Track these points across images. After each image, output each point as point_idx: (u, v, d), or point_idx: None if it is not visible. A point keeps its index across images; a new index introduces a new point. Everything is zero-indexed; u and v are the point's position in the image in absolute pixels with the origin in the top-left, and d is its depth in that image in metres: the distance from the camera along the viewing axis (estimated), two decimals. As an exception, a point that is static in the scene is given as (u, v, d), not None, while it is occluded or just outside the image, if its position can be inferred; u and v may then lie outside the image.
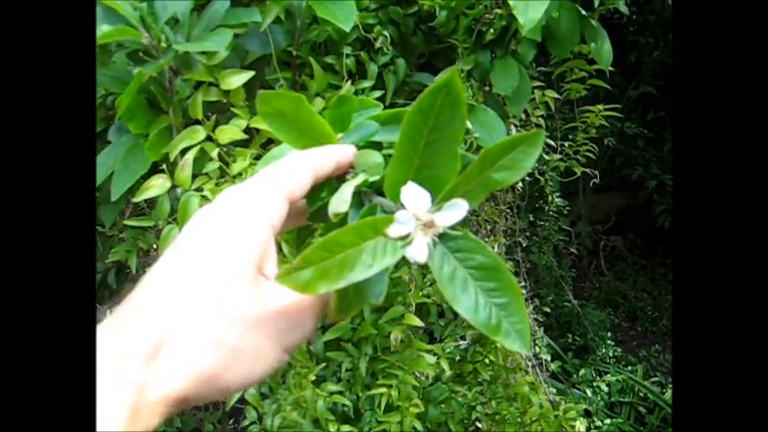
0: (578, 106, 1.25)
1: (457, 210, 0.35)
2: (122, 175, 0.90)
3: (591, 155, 1.27)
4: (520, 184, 1.54)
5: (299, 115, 0.42)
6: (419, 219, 0.35)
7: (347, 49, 1.02)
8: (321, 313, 0.36)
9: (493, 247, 1.58)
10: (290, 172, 0.37)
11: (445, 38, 1.05)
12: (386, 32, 1.03)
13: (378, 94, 1.01)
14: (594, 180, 1.23)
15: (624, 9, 0.97)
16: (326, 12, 0.88)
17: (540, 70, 1.38)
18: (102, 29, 0.71)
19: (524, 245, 2.04)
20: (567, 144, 1.33)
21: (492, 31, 1.01)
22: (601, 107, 1.23)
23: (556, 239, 2.37)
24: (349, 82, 0.98)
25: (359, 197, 0.40)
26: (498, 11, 0.99)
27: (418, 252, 0.34)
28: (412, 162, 0.36)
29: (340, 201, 0.38)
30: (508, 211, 1.48)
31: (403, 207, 0.35)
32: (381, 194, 0.39)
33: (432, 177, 0.36)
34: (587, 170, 1.27)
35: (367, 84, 1.01)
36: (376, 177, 0.40)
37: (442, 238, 0.36)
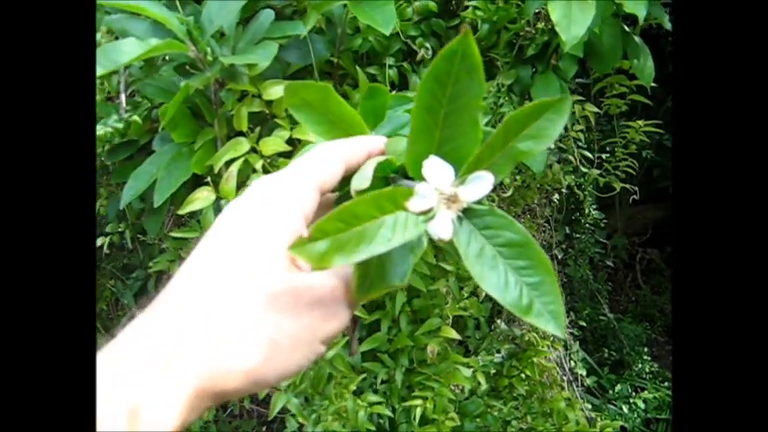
0: (617, 119, 1.24)
1: (482, 182, 0.33)
2: (165, 183, 0.92)
3: (630, 170, 1.26)
4: (557, 197, 1.53)
5: (327, 106, 0.41)
6: (442, 193, 0.33)
7: (390, 60, 1.03)
8: (357, 304, 0.36)
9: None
10: (321, 162, 0.37)
11: (486, 51, 1.05)
12: (428, 44, 1.04)
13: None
14: (633, 196, 1.22)
15: (668, 25, 0.96)
16: (366, 16, 0.88)
17: (579, 82, 1.38)
18: (151, 42, 0.73)
19: (560, 257, 2.03)
20: (605, 157, 1.32)
21: (533, 46, 1.01)
22: (641, 123, 1.22)
23: (592, 252, 2.35)
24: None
25: (386, 182, 0.39)
26: (540, 25, 0.99)
27: (442, 227, 0.33)
28: (433, 135, 0.35)
29: (362, 178, 0.37)
30: (546, 225, 1.48)
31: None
32: (408, 178, 0.37)
33: (454, 150, 0.35)
34: (626, 185, 1.26)
35: (410, 95, 1.02)
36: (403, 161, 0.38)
37: (468, 214, 0.34)
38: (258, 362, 0.31)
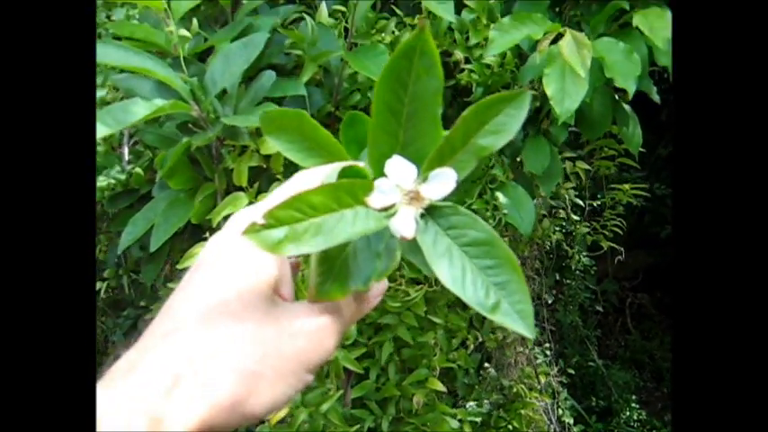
0: (605, 181, 1.28)
1: (445, 180, 0.33)
2: (162, 228, 0.95)
3: (618, 230, 1.30)
4: (548, 244, 1.56)
5: (303, 132, 0.41)
6: (404, 190, 0.33)
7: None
8: (343, 332, 0.36)
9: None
10: (299, 190, 0.37)
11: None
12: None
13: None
14: (622, 247, 1.25)
15: (656, 97, 1.00)
16: (362, 66, 0.91)
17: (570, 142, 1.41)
18: (156, 103, 0.76)
19: (550, 302, 2.05)
20: (595, 205, 1.35)
21: (525, 110, 1.04)
22: (628, 187, 1.25)
23: (582, 298, 2.37)
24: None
25: None
26: (533, 92, 1.03)
27: (404, 225, 0.32)
28: (397, 136, 0.34)
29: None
30: (536, 276, 1.50)
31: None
32: None
33: (418, 150, 0.34)
34: (614, 245, 1.29)
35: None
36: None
37: (433, 213, 0.34)
38: (242, 395, 0.31)
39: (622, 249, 1.28)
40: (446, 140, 0.33)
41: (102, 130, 0.68)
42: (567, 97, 0.85)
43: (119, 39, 0.89)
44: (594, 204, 1.33)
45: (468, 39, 1.02)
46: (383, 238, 0.35)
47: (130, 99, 0.72)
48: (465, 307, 1.19)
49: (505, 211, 1.03)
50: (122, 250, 0.97)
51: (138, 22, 0.88)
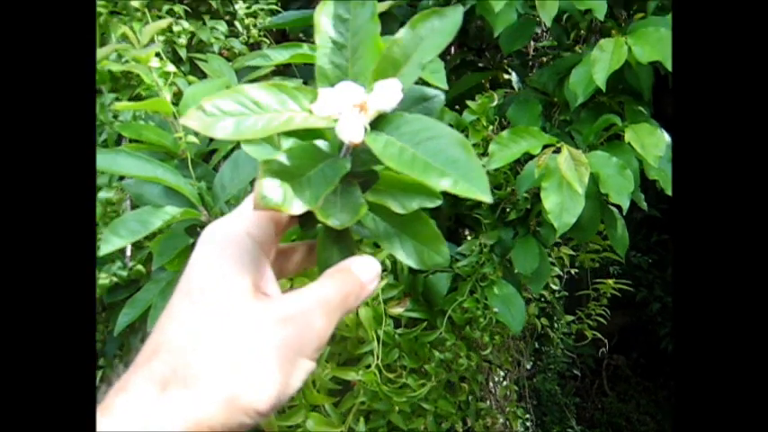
0: (589, 273, 1.31)
1: (389, 90, 0.35)
2: (159, 309, 0.95)
3: (602, 320, 1.33)
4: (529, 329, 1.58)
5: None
6: (350, 101, 0.35)
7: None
8: (336, 316, 0.36)
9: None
10: None
11: (471, 210, 1.12)
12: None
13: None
14: (604, 344, 1.27)
15: (644, 206, 1.03)
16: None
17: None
18: (168, 211, 0.77)
19: (528, 367, 2.07)
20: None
21: (516, 210, 1.08)
22: (612, 282, 1.29)
23: (561, 366, 2.39)
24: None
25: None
26: (524, 194, 1.06)
27: (350, 129, 0.34)
28: (346, 72, 0.37)
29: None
30: (519, 357, 1.52)
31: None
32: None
33: (364, 76, 0.37)
34: (597, 334, 1.32)
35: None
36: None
37: (383, 124, 0.35)
38: (233, 388, 0.31)
39: (606, 341, 1.31)
40: (387, 57, 0.36)
41: (116, 242, 0.69)
42: (564, 212, 0.89)
43: (121, 140, 0.91)
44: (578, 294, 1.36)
45: (467, 137, 1.06)
46: (338, 170, 0.36)
47: (142, 208, 0.73)
48: (454, 392, 1.21)
49: (496, 310, 1.05)
50: (119, 332, 0.98)
51: (144, 121, 0.89)
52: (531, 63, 1.42)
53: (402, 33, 0.37)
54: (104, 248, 0.68)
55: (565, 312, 1.56)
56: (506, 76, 1.43)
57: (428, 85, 0.95)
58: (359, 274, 0.38)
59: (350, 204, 0.37)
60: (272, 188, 0.34)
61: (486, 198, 0.32)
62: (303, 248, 0.44)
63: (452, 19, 0.37)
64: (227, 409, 0.31)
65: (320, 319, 0.35)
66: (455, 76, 1.36)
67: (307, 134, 0.39)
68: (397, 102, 0.35)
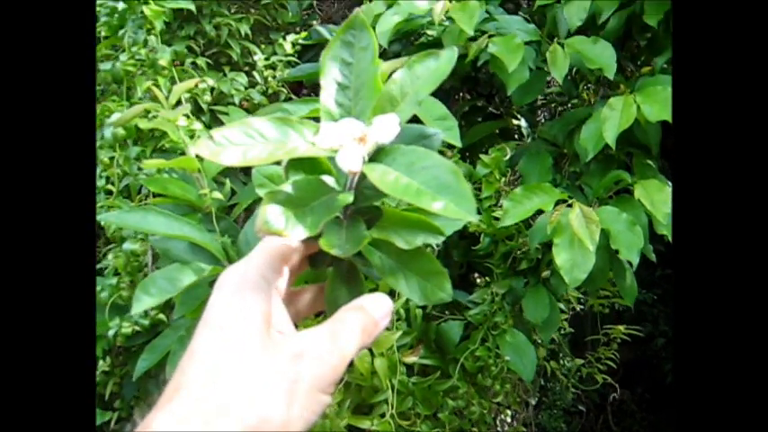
0: (600, 319, 1.33)
1: (388, 123, 0.37)
2: (178, 355, 0.97)
3: (611, 363, 1.34)
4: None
5: None
6: (351, 134, 0.37)
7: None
8: (350, 351, 0.37)
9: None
10: (275, 240, 0.39)
11: (483, 259, 1.14)
12: (433, 244, 1.13)
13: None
14: (615, 389, 1.29)
15: (653, 257, 1.06)
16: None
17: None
18: (195, 267, 0.78)
19: (533, 403, 2.08)
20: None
21: (527, 260, 1.10)
22: (622, 328, 1.31)
23: (566, 403, 2.40)
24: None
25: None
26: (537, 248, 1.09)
27: (350, 159, 0.36)
28: (348, 109, 0.40)
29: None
30: (526, 396, 1.54)
31: None
32: None
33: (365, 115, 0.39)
34: (608, 378, 1.34)
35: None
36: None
37: (381, 156, 0.37)
38: (257, 425, 0.32)
39: (617, 386, 1.33)
40: (385, 94, 0.39)
41: (147, 302, 0.71)
42: (575, 267, 0.91)
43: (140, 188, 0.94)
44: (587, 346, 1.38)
45: (480, 190, 1.08)
46: (340, 201, 0.38)
47: (171, 266, 0.76)
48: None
49: (507, 358, 1.07)
50: (137, 377, 0.99)
51: (167, 173, 0.92)
52: (539, 109, 1.45)
53: (400, 73, 0.40)
54: (136, 307, 0.71)
55: (570, 348, 1.58)
56: (515, 122, 1.46)
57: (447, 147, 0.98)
58: (371, 311, 0.39)
59: (354, 237, 0.39)
60: (275, 214, 0.36)
61: (473, 218, 0.35)
62: (313, 290, 0.45)
63: (447, 58, 0.40)
64: None
65: (334, 354, 0.36)
66: (465, 121, 1.39)
67: (313, 169, 0.41)
68: (395, 134, 0.38)
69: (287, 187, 0.38)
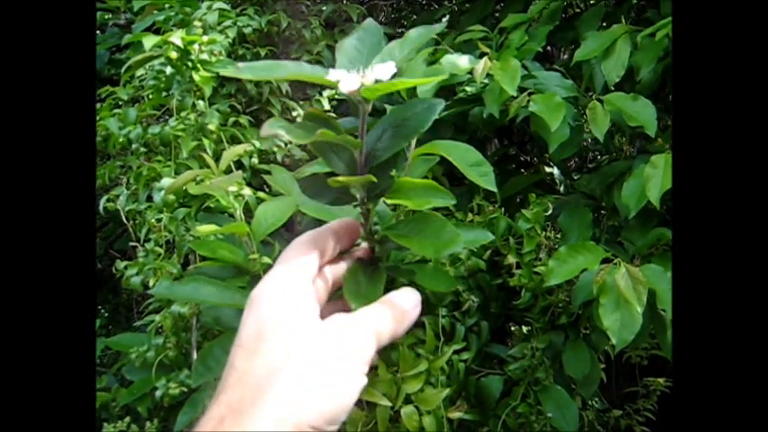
0: (638, 368, 1.32)
1: (384, 66, 0.42)
2: None
3: (650, 414, 1.33)
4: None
5: None
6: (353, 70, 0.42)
7: (442, 311, 1.11)
8: (382, 336, 0.40)
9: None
10: (310, 238, 0.45)
11: (523, 313, 1.14)
12: (474, 297, 1.13)
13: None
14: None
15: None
16: (429, 282, 0.96)
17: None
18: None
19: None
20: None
21: (566, 315, 1.10)
22: (662, 380, 1.30)
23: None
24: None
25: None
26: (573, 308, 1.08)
27: (349, 82, 0.41)
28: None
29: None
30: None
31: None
32: None
33: None
34: (647, 430, 1.33)
35: (456, 346, 1.08)
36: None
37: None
38: (298, 410, 0.35)
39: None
40: (386, 51, 0.46)
41: (206, 375, 0.72)
42: (623, 328, 0.91)
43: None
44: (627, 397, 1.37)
45: (520, 244, 1.09)
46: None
47: (225, 337, 0.76)
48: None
49: (549, 414, 1.06)
50: (179, 430, 1.00)
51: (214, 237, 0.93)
52: (572, 157, 1.45)
53: (397, 41, 0.46)
54: (196, 381, 0.71)
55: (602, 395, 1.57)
56: (548, 169, 1.47)
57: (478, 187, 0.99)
58: (401, 303, 0.43)
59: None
60: (277, 123, 0.41)
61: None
62: (332, 306, 0.48)
63: (438, 27, 0.47)
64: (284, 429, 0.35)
65: (366, 336, 0.39)
66: (497, 170, 1.40)
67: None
68: (391, 74, 0.42)
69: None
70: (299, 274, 0.42)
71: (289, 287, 0.41)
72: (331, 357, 0.37)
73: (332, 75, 0.42)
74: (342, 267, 0.47)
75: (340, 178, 0.43)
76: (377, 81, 0.42)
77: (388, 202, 0.45)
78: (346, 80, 0.41)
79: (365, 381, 0.39)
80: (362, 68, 0.43)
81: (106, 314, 1.82)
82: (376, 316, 0.41)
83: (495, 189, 0.96)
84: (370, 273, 0.46)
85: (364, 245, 0.50)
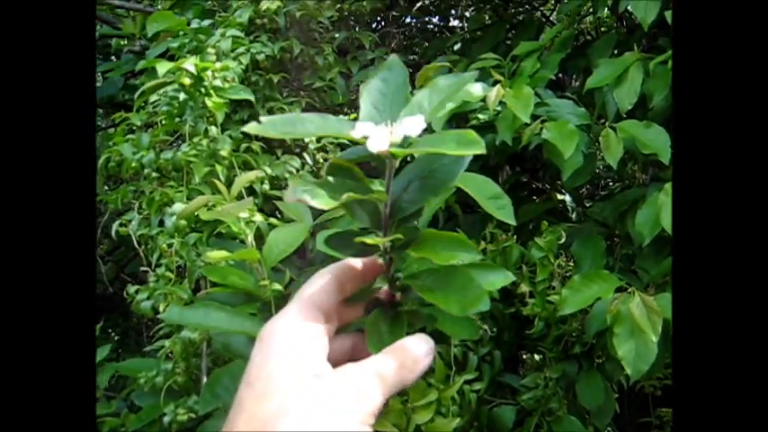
0: (652, 399, 1.31)
1: (414, 120, 0.40)
2: None
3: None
4: None
5: None
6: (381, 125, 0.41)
7: (455, 340, 1.10)
8: (392, 385, 0.39)
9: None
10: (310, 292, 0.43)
11: (536, 342, 1.13)
12: (485, 326, 1.12)
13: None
14: None
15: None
16: (452, 329, 0.95)
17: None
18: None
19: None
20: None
21: (579, 344, 1.09)
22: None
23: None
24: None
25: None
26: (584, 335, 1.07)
27: (378, 141, 0.39)
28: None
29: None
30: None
31: None
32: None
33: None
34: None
35: (468, 376, 1.06)
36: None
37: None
38: None
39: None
40: (414, 103, 0.43)
41: (214, 403, 0.71)
42: (638, 358, 0.90)
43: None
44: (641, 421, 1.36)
45: (533, 273, 1.08)
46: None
47: (235, 364, 0.76)
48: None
49: (565, 450, 1.05)
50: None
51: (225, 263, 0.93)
52: (585, 184, 1.45)
53: (425, 89, 0.44)
54: (203, 408, 0.71)
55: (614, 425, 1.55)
56: (560, 196, 1.46)
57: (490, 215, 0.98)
58: (413, 350, 0.41)
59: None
60: (300, 187, 0.39)
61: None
62: (353, 337, 0.46)
63: (468, 77, 0.45)
64: None
65: (374, 386, 0.38)
66: (510, 197, 1.40)
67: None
68: (420, 130, 0.40)
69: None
70: (313, 315, 0.41)
71: (302, 330, 0.40)
72: (338, 410, 0.36)
73: (359, 130, 0.40)
74: (358, 309, 0.47)
75: (367, 240, 0.42)
76: (405, 138, 0.41)
77: (413, 254, 0.43)
78: (375, 139, 0.40)
79: (371, 421, 0.38)
80: (389, 121, 0.42)
81: (116, 338, 1.82)
82: (387, 366, 0.40)
83: (513, 222, 0.96)
84: (390, 319, 0.45)
85: (384, 287, 0.49)
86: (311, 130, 0.42)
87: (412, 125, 0.40)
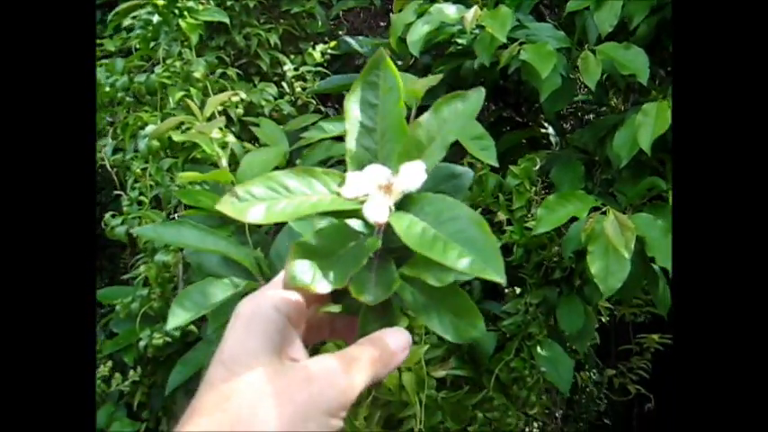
0: (632, 329, 1.32)
1: (414, 172, 0.37)
2: None
3: (644, 373, 1.32)
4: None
5: None
6: (376, 183, 0.37)
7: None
8: (365, 379, 0.37)
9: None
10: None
11: (516, 270, 1.13)
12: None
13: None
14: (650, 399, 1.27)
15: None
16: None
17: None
18: (229, 282, 0.78)
19: (559, 417, 2.05)
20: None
21: (559, 270, 1.09)
22: (656, 337, 1.29)
23: (592, 415, 2.36)
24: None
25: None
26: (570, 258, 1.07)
27: (376, 211, 0.36)
28: (375, 152, 0.40)
29: None
30: (553, 407, 1.52)
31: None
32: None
33: (393, 162, 0.39)
34: (641, 389, 1.32)
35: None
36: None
37: (407, 204, 0.37)
38: None
39: (652, 396, 1.31)
40: (412, 139, 0.39)
41: (182, 316, 0.71)
42: (610, 276, 0.90)
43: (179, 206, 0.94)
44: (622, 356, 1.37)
45: (510, 201, 1.07)
46: (368, 248, 0.38)
47: (205, 281, 0.75)
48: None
49: (543, 369, 1.06)
50: (170, 391, 0.99)
51: (200, 187, 0.92)
52: (567, 117, 1.44)
53: (426, 117, 0.40)
54: (172, 323, 0.70)
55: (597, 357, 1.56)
56: (543, 131, 1.45)
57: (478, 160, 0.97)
58: (389, 342, 0.40)
59: (384, 280, 0.39)
60: (301, 269, 0.36)
61: (501, 280, 0.33)
62: (348, 319, 0.45)
63: (475, 100, 0.40)
64: None
65: (344, 379, 0.36)
66: (493, 132, 1.39)
67: (341, 213, 0.40)
68: (422, 182, 0.38)
69: (312, 238, 0.38)
70: (293, 294, 0.39)
71: (279, 310, 0.38)
72: (310, 399, 0.35)
73: (350, 188, 0.37)
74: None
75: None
76: (405, 193, 0.38)
77: (407, 273, 0.41)
78: (372, 209, 0.37)
79: (340, 425, 0.37)
80: (384, 161, 0.39)
81: (104, 284, 1.82)
82: (363, 359, 0.38)
83: (496, 164, 0.96)
84: (382, 313, 0.44)
85: None
86: (291, 208, 0.37)
87: (412, 178, 0.38)
